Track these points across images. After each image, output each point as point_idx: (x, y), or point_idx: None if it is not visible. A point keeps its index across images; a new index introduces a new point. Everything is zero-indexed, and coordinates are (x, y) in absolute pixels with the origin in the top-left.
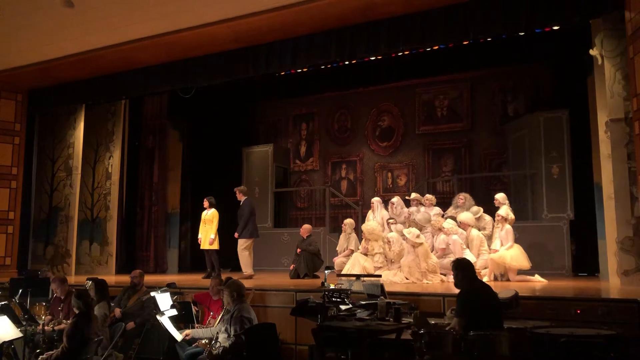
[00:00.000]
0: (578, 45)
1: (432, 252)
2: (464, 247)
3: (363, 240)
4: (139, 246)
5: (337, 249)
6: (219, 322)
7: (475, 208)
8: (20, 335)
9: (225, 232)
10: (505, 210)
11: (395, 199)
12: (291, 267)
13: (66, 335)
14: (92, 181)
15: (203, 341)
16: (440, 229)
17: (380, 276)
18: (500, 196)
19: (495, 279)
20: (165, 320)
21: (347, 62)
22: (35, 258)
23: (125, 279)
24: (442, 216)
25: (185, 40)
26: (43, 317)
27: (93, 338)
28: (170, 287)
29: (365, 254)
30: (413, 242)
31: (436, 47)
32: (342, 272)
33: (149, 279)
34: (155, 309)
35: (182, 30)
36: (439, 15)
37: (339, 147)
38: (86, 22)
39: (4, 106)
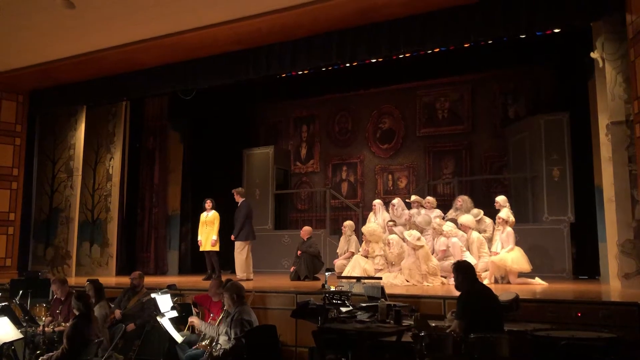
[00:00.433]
0: (579, 48)
1: (432, 254)
2: (464, 249)
3: (363, 242)
4: (139, 247)
5: (337, 251)
6: (219, 324)
7: (475, 210)
8: (21, 336)
9: (225, 234)
10: (505, 213)
11: (396, 201)
12: (291, 269)
13: (66, 337)
14: (93, 182)
15: (203, 343)
16: (441, 232)
17: (380, 278)
18: (500, 199)
19: (496, 281)
20: (165, 322)
21: (347, 64)
22: (36, 259)
23: (125, 280)
24: (443, 218)
25: (186, 41)
26: (43, 318)
27: (93, 339)
28: (171, 289)
29: (366, 256)
30: (414, 245)
31: (437, 50)
32: (343, 274)
33: (149, 280)
34: (156, 310)
35: (183, 31)
36: (439, 17)
37: (339, 149)
38: (87, 23)
39: (5, 107)
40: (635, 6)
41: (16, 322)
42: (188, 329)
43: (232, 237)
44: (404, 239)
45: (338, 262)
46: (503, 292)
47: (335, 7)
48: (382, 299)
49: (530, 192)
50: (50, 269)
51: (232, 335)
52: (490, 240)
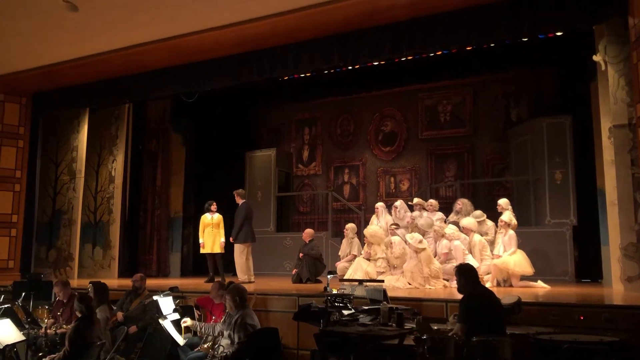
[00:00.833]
0: (581, 51)
1: (434, 257)
2: (466, 252)
3: (365, 245)
4: (141, 250)
5: (339, 253)
6: (221, 324)
7: (478, 212)
8: (23, 338)
9: (227, 236)
10: (508, 216)
11: (399, 203)
12: (293, 272)
13: (68, 339)
14: (96, 185)
15: (205, 345)
16: (443, 235)
17: (382, 281)
18: (503, 202)
19: (498, 284)
20: (167, 324)
21: (350, 67)
22: (38, 261)
23: (127, 282)
24: (445, 221)
25: (189, 44)
26: (46, 321)
27: (95, 342)
28: (173, 291)
29: (368, 259)
30: (415, 248)
31: (439, 52)
32: (345, 277)
33: (151, 282)
34: (158, 312)
35: (186, 34)
36: (442, 20)
37: (341, 151)
38: (90, 26)
39: (8, 110)
40: (638, 9)
41: (18, 324)
42: (186, 332)
43: (231, 239)
44: (406, 242)
45: (340, 265)
46: (505, 295)
47: (337, 9)
48: (384, 302)
49: (532, 195)
50: (52, 270)
51: (236, 340)
52: (492, 243)
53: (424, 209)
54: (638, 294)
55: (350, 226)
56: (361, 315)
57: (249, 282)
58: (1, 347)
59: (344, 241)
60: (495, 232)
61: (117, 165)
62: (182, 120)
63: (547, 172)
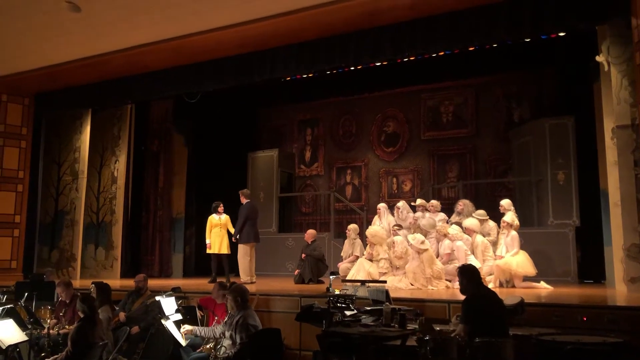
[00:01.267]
0: (583, 52)
1: (437, 258)
2: (469, 253)
3: (368, 245)
4: (144, 250)
5: (341, 254)
6: (222, 325)
7: (481, 211)
8: (26, 338)
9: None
10: (510, 217)
11: (401, 204)
12: (296, 273)
13: (71, 339)
14: (98, 185)
15: (207, 346)
16: (445, 235)
17: (385, 282)
18: (505, 202)
19: (501, 285)
20: (170, 325)
21: (352, 68)
22: (41, 262)
23: (130, 283)
24: (447, 222)
25: (191, 45)
26: (48, 321)
27: (98, 342)
28: (175, 292)
29: (370, 260)
30: (418, 248)
31: (441, 53)
32: (347, 278)
33: (154, 283)
34: (160, 313)
35: (188, 35)
36: (443, 21)
37: (343, 152)
38: (92, 26)
39: (11, 110)
40: None
41: (21, 325)
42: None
43: (234, 239)
44: (408, 242)
45: (342, 266)
46: (508, 296)
47: (339, 10)
48: (387, 303)
49: (535, 195)
50: (54, 271)
51: (238, 340)
52: (494, 244)
53: (426, 209)
54: None
55: (353, 227)
56: (363, 316)
57: (251, 283)
58: (4, 348)
59: (346, 242)
60: (498, 232)
61: (119, 166)
62: (185, 121)
63: (549, 173)
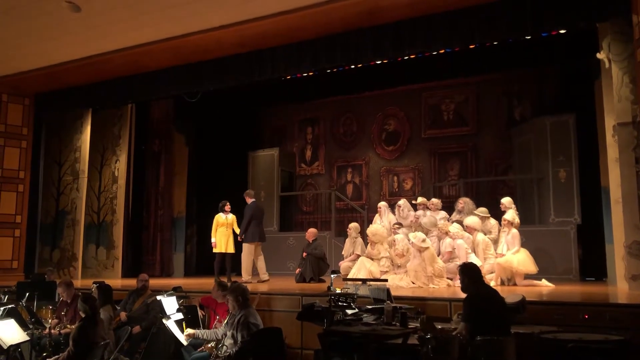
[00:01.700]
0: (584, 49)
1: (438, 256)
2: (470, 251)
3: (369, 244)
4: (145, 250)
5: (342, 253)
6: (223, 326)
7: (482, 208)
8: (27, 338)
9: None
10: (511, 215)
11: (402, 202)
12: (297, 271)
13: (72, 339)
14: (99, 185)
15: (209, 345)
16: (447, 233)
17: (386, 280)
18: (506, 200)
19: (502, 283)
20: (171, 324)
21: (352, 66)
22: (42, 262)
23: (131, 282)
24: (448, 220)
25: (191, 44)
26: (50, 321)
27: (99, 342)
28: (176, 291)
29: (371, 258)
30: (419, 247)
31: (442, 51)
32: (348, 277)
33: (155, 282)
34: (161, 312)
35: (188, 34)
36: (444, 19)
37: (344, 151)
38: (92, 26)
39: (12, 110)
40: None
41: (22, 325)
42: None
43: (239, 238)
44: (409, 241)
45: (343, 264)
46: (509, 294)
47: (339, 9)
48: (388, 301)
49: (536, 193)
50: (55, 270)
51: (239, 339)
52: (495, 242)
53: (427, 208)
54: None
55: (354, 225)
56: (365, 315)
57: (264, 281)
58: (5, 348)
59: (347, 240)
60: (499, 230)
61: (120, 166)
62: (185, 121)
63: (550, 171)
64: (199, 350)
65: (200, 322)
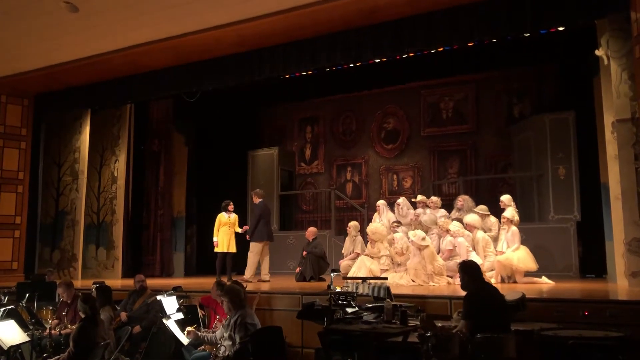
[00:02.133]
0: (583, 46)
1: (438, 254)
2: (470, 249)
3: (369, 242)
4: (145, 250)
5: (342, 251)
6: (221, 328)
7: (482, 206)
8: (28, 339)
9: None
10: (510, 212)
11: (401, 200)
12: (297, 270)
13: (72, 340)
14: (98, 185)
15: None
16: (447, 231)
17: (386, 279)
18: (505, 198)
19: (502, 280)
20: (171, 324)
21: (351, 65)
22: (42, 262)
23: (131, 282)
24: (447, 218)
25: (190, 44)
26: (50, 321)
27: (99, 342)
28: (177, 291)
29: (372, 257)
30: (419, 245)
31: (441, 49)
32: (348, 275)
33: (155, 282)
34: (162, 312)
35: (187, 34)
36: (443, 17)
37: (344, 149)
38: (91, 26)
39: (11, 111)
40: (639, 4)
41: (23, 325)
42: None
43: (247, 237)
44: (409, 239)
45: (343, 263)
46: (509, 292)
47: (338, 7)
48: (388, 300)
49: (535, 191)
50: (55, 271)
51: (237, 340)
52: (495, 240)
53: (427, 206)
54: None
55: (353, 224)
56: (365, 313)
57: (266, 281)
58: (6, 348)
59: (347, 239)
60: (499, 228)
61: (119, 166)
62: (185, 120)
63: (550, 168)
64: (199, 349)
65: (201, 321)
